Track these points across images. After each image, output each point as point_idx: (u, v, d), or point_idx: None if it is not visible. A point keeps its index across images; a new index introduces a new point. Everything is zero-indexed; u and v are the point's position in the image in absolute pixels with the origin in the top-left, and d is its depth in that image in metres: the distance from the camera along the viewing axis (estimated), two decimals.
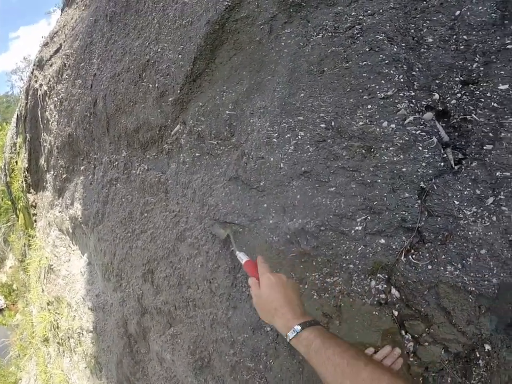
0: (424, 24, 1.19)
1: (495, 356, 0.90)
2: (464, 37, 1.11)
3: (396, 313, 0.93)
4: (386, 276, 0.94)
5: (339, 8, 1.42)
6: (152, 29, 1.99)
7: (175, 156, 1.75)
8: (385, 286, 0.93)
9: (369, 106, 1.09)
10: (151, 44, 1.98)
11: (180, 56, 1.75)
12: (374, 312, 0.93)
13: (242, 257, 0.99)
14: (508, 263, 0.86)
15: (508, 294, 0.87)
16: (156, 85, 1.84)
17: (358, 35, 1.27)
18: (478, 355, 0.90)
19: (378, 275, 0.94)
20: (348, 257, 0.98)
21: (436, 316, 0.90)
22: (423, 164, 0.97)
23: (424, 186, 0.95)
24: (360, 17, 1.32)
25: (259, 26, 1.64)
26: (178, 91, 1.73)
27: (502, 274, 0.86)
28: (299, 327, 0.71)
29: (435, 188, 0.94)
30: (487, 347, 0.89)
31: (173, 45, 1.81)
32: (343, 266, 0.98)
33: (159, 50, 1.90)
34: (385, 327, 0.93)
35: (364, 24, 1.28)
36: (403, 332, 0.94)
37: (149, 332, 2.10)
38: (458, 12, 1.15)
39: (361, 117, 1.08)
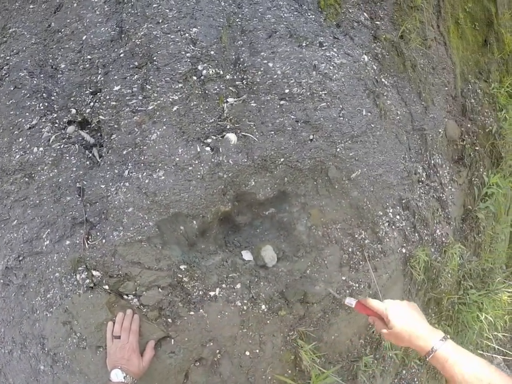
0: (59, 53, 1.36)
1: (195, 269, 1.19)
2: (89, 56, 1.32)
3: (107, 287, 1.14)
4: (84, 266, 1.13)
5: None
6: None
7: None
8: (86, 273, 1.13)
9: (20, 140, 1.23)
10: None
11: None
12: (90, 296, 1.12)
13: (352, 301, 1.08)
14: (151, 207, 1.13)
15: (167, 226, 1.17)
16: None
17: (6, 76, 1.37)
18: (180, 275, 1.17)
19: (79, 268, 1.13)
20: (51, 269, 1.14)
21: (133, 270, 1.13)
22: (74, 169, 1.18)
23: (80, 185, 1.17)
24: (7, 57, 1.41)
25: None
26: None
27: (152, 217, 1.14)
28: (434, 347, 0.86)
29: (86, 183, 1.16)
30: (183, 266, 1.18)
31: None
32: (51, 278, 1.13)
33: None
34: (105, 300, 1.13)
35: (10, 64, 1.39)
36: (125, 296, 1.16)
37: None
38: (85, 37, 1.35)
39: (17, 150, 1.22)
